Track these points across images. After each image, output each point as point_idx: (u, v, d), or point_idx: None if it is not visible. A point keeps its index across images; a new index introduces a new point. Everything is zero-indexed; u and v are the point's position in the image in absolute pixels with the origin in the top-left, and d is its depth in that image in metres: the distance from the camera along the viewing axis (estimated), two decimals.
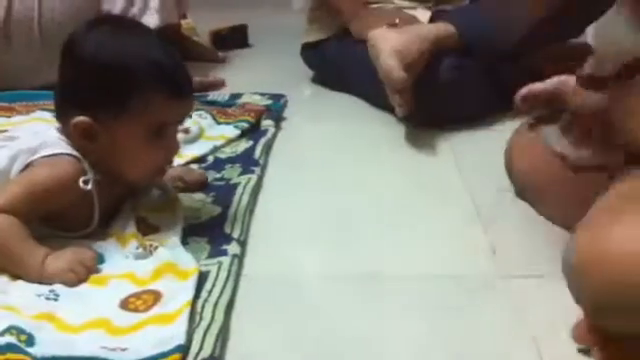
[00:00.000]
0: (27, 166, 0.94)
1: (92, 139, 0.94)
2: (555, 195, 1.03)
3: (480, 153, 1.34)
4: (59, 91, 0.97)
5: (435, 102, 1.44)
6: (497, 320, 0.84)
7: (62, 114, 0.97)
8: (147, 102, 0.92)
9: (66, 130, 0.96)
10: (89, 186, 0.94)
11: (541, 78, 1.10)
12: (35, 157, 0.94)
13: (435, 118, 1.46)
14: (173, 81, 0.94)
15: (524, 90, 1.08)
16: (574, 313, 0.76)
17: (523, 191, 1.12)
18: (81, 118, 0.93)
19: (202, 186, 1.15)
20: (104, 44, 0.93)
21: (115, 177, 0.98)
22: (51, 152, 0.94)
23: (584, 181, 0.97)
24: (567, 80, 1.03)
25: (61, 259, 0.89)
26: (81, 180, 0.93)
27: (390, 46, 1.41)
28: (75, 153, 0.95)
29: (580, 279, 0.70)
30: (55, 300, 0.84)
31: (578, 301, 0.72)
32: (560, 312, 0.82)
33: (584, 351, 0.76)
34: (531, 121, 1.12)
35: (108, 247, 0.96)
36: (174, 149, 1.00)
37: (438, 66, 1.46)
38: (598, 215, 0.74)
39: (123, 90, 0.92)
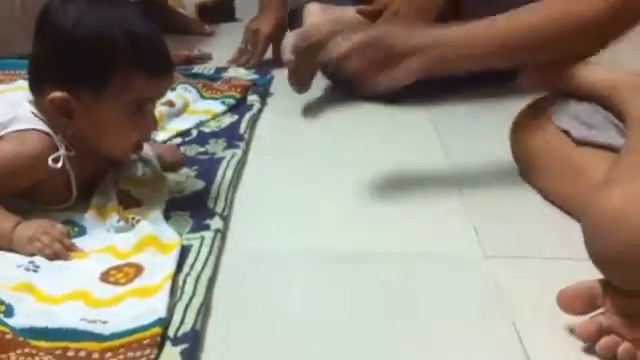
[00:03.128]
0: None
1: (68, 115, 0.92)
2: (560, 173, 1.03)
3: (465, 133, 1.34)
4: (34, 63, 0.94)
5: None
6: (476, 300, 0.84)
7: (37, 88, 0.94)
8: (128, 80, 0.90)
9: (40, 104, 0.93)
10: (59, 164, 0.92)
11: None
12: (5, 131, 0.92)
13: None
14: (155, 58, 0.93)
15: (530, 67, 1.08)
16: (554, 295, 0.76)
17: (528, 171, 1.11)
18: (58, 94, 0.90)
19: (179, 166, 1.14)
20: (84, 17, 0.90)
21: (91, 152, 0.97)
22: (21, 127, 0.92)
23: (591, 159, 0.97)
24: None
25: (31, 227, 0.88)
26: (50, 158, 0.91)
27: (307, 23, 1.41)
28: (46, 129, 0.93)
29: (610, 231, 0.70)
30: (35, 271, 0.83)
31: (599, 253, 0.72)
32: (540, 294, 0.82)
33: (565, 332, 0.77)
34: (537, 101, 1.12)
35: (89, 220, 0.95)
36: (152, 125, 0.98)
37: None
38: (627, 173, 0.76)
39: (104, 67, 0.90)
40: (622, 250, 0.69)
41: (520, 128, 1.12)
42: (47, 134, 0.93)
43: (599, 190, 0.75)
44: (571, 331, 0.75)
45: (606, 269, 0.72)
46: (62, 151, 0.93)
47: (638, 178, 0.75)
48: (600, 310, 0.74)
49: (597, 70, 1.01)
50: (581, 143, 1.00)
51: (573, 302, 0.74)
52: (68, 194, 0.97)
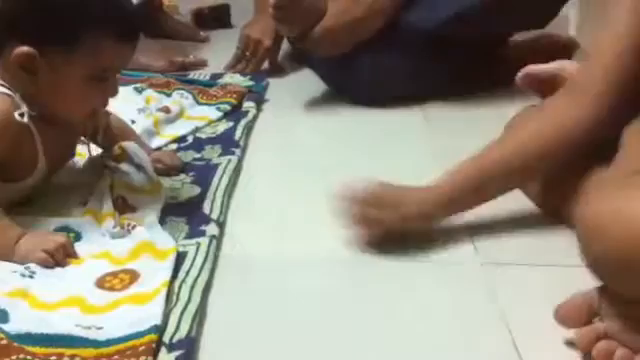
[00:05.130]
0: None
1: (31, 72, 0.91)
2: (552, 179, 1.02)
3: (461, 138, 1.34)
4: (0, 17, 0.92)
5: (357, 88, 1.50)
6: (472, 307, 0.84)
7: (1, 42, 0.92)
8: (98, 44, 0.90)
9: (2, 60, 0.92)
10: (25, 118, 0.91)
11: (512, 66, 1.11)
12: None
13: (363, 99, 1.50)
14: (124, 24, 0.93)
15: (525, 69, 1.08)
16: (550, 302, 0.76)
17: None
18: (25, 49, 0.89)
19: (178, 170, 1.14)
20: None
21: (50, 113, 0.95)
22: None
23: (583, 165, 0.97)
24: (566, 65, 1.04)
25: (33, 239, 0.87)
26: (16, 113, 0.91)
27: None
28: (5, 90, 0.92)
29: (599, 239, 0.69)
30: (30, 277, 0.83)
31: (594, 264, 0.71)
32: (537, 301, 0.83)
33: (557, 342, 0.77)
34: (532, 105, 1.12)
35: (85, 225, 0.95)
36: (111, 94, 0.98)
37: (358, 64, 1.49)
38: (612, 185, 0.75)
39: (77, 27, 0.90)
40: (609, 255, 0.69)
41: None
42: (7, 94, 0.92)
43: (585, 198, 0.75)
44: (569, 344, 0.75)
45: (600, 275, 0.72)
46: (25, 108, 0.92)
47: (620, 189, 0.74)
48: (598, 318, 0.73)
49: None
50: None
51: (571, 315, 0.74)
52: (35, 160, 0.96)
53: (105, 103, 1.00)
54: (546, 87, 1.06)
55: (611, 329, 0.72)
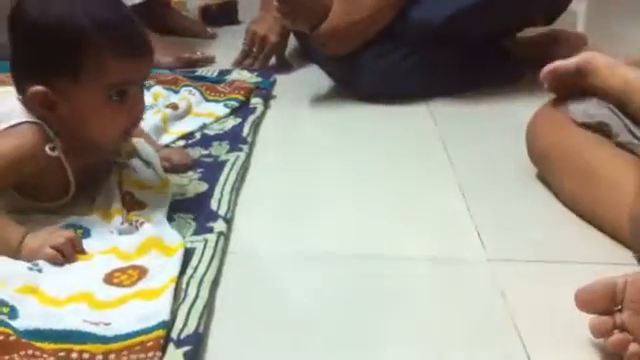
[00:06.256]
0: None
1: (51, 108, 0.92)
2: (575, 168, 1.01)
3: (468, 134, 1.34)
4: (13, 61, 0.94)
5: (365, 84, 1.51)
6: (479, 303, 0.84)
7: (19, 85, 0.94)
8: (101, 64, 0.90)
9: (25, 100, 0.93)
10: (55, 152, 0.92)
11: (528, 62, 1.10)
12: None
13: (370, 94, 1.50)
14: (126, 39, 0.92)
15: (549, 66, 1.06)
16: (558, 300, 0.76)
17: (542, 166, 1.10)
18: (36, 88, 0.90)
19: (187, 168, 1.14)
20: (48, 7, 0.90)
21: (81, 143, 0.96)
22: (14, 122, 0.92)
23: (608, 154, 0.97)
24: (592, 57, 1.03)
25: (39, 237, 0.88)
26: (47, 147, 0.92)
27: None
28: (37, 121, 0.93)
29: None
30: (39, 272, 0.84)
31: None
32: (544, 298, 0.82)
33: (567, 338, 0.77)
34: (555, 100, 1.11)
35: (93, 222, 0.95)
36: (138, 110, 0.97)
37: (364, 60, 1.49)
38: None
39: (73, 54, 0.89)
40: None
41: (537, 125, 1.11)
42: (39, 125, 0.93)
43: None
44: (578, 343, 0.74)
45: None
46: (56, 141, 0.93)
47: None
48: (618, 308, 0.71)
49: (624, 71, 0.99)
50: (589, 127, 0.99)
51: (592, 300, 0.72)
52: (66, 188, 0.97)
53: (136, 121, 0.99)
54: (570, 82, 1.05)
55: (630, 323, 0.70)
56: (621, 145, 0.97)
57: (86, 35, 0.89)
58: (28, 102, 0.93)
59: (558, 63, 1.06)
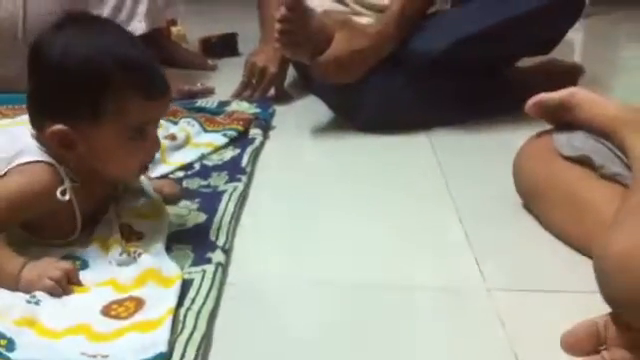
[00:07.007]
0: (3, 175, 0.92)
1: (70, 147, 0.92)
2: (564, 202, 1.02)
3: (468, 164, 1.34)
4: (30, 98, 0.94)
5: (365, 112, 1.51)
6: (479, 333, 0.84)
7: (36, 122, 0.94)
8: (122, 106, 0.90)
9: (42, 138, 0.93)
10: (67, 196, 0.92)
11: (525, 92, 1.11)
12: (11, 166, 0.92)
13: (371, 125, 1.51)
14: (148, 82, 0.92)
15: (534, 98, 1.08)
16: (559, 330, 0.75)
17: (530, 200, 1.11)
18: (56, 127, 0.90)
19: (178, 198, 1.14)
20: (71, 47, 0.89)
21: (97, 180, 0.97)
22: (27, 160, 0.92)
23: (595, 189, 0.98)
24: (576, 92, 1.04)
25: (37, 268, 0.87)
26: (58, 191, 0.91)
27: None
28: (51, 160, 0.93)
29: (616, 276, 0.70)
30: (37, 304, 0.83)
31: (609, 298, 0.72)
32: (543, 327, 0.82)
33: None
34: (541, 130, 1.12)
35: (91, 253, 0.95)
36: (155, 146, 0.98)
37: (363, 90, 1.50)
38: (631, 215, 0.75)
39: (96, 96, 0.89)
40: (631, 293, 0.69)
41: (524, 158, 1.12)
42: (52, 165, 0.93)
43: (605, 234, 0.75)
44: None
45: (620, 310, 0.72)
46: (67, 183, 0.93)
47: (637, 218, 0.74)
48: (604, 347, 0.73)
49: (605, 105, 1.01)
50: (575, 161, 1.01)
51: (578, 343, 0.74)
52: (72, 228, 0.97)
53: (151, 157, 0.99)
54: (556, 115, 1.06)
55: (617, 357, 0.71)
56: (606, 177, 0.97)
57: (110, 77, 0.89)
58: (46, 140, 0.92)
59: (542, 96, 1.07)
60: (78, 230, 0.97)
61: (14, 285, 0.86)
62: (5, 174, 0.92)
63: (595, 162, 0.99)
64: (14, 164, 0.92)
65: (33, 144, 0.94)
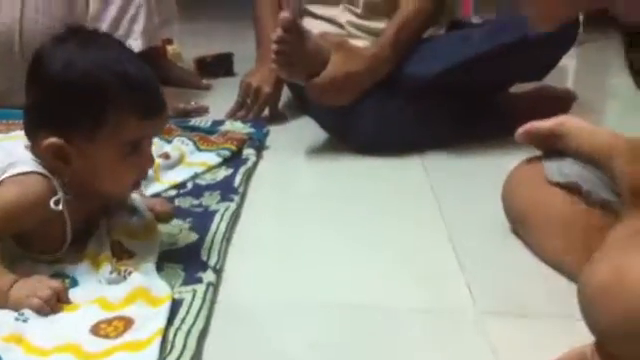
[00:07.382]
0: None
1: (65, 160, 0.92)
2: (553, 229, 1.03)
3: (459, 188, 1.34)
4: (28, 110, 0.94)
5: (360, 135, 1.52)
6: (469, 357, 0.83)
7: (32, 134, 0.94)
8: (121, 122, 0.90)
9: (37, 150, 0.93)
10: (60, 206, 0.92)
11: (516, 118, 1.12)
12: (5, 176, 0.92)
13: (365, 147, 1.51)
14: (147, 100, 0.92)
15: (525, 126, 1.08)
16: (546, 353, 0.75)
17: (520, 225, 1.11)
18: (52, 140, 0.90)
19: (170, 217, 1.13)
20: (73, 60, 0.90)
21: (89, 194, 0.96)
22: (21, 170, 0.92)
23: (584, 215, 0.98)
24: (566, 121, 1.05)
25: (26, 286, 0.87)
26: (52, 201, 0.91)
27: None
28: (45, 172, 0.93)
29: (598, 306, 0.70)
30: (24, 322, 0.83)
31: (593, 328, 0.72)
32: (533, 351, 0.82)
33: None
34: (531, 156, 1.12)
35: (81, 270, 0.95)
36: (149, 162, 0.98)
37: (358, 112, 1.50)
38: (616, 245, 0.75)
39: (94, 110, 0.90)
40: (612, 323, 0.69)
41: (513, 184, 1.12)
42: (46, 177, 0.93)
43: (589, 264, 0.75)
44: None
45: (602, 339, 0.72)
46: (61, 194, 0.93)
47: (622, 248, 0.74)
48: None
49: (595, 134, 1.01)
50: (564, 187, 1.01)
51: None
52: (62, 241, 0.96)
53: (145, 172, 1.00)
54: (546, 142, 1.07)
55: None
56: (594, 204, 0.98)
57: (110, 93, 0.89)
58: (41, 152, 0.92)
59: (532, 124, 1.08)
60: (67, 244, 0.97)
61: (3, 302, 0.86)
62: None
63: (583, 189, 0.99)
64: (8, 174, 0.92)
65: (27, 155, 0.94)
